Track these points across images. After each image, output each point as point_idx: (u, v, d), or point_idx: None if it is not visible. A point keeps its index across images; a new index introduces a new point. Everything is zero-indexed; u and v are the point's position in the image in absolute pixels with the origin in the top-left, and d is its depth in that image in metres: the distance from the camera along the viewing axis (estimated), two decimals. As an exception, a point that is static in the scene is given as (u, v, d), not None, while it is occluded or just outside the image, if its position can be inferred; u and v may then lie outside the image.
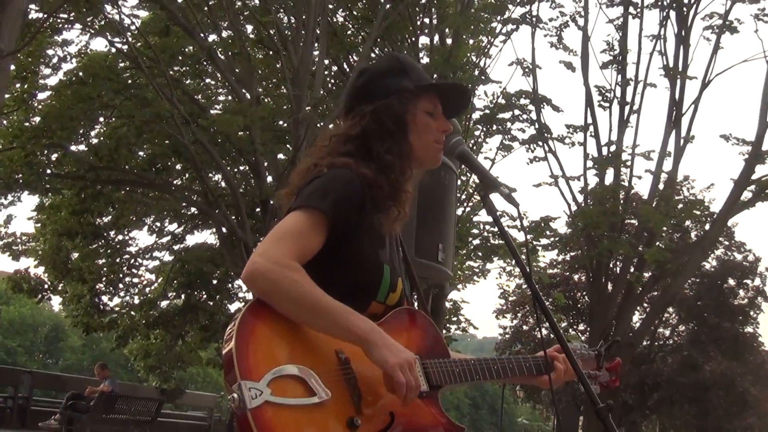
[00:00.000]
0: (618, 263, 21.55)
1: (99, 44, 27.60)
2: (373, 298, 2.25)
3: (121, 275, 21.31)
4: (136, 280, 21.78)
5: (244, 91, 16.55)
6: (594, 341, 17.54)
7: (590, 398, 2.12)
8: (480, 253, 18.72)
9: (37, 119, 17.18)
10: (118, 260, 21.12)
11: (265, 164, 16.54)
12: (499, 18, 18.07)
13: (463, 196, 17.51)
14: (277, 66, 17.23)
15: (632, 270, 20.24)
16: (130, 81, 17.39)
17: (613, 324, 19.77)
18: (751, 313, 31.14)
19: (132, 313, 21.16)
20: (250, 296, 2.22)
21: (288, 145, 16.81)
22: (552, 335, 2.33)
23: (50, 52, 17.62)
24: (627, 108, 20.15)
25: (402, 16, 16.93)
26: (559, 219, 20.22)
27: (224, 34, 17.35)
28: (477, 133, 18.67)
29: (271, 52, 18.07)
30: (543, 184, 20.24)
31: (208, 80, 19.96)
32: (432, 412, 2.21)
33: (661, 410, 30.91)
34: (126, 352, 23.26)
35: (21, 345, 48.91)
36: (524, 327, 31.38)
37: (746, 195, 18.95)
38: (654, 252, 18.28)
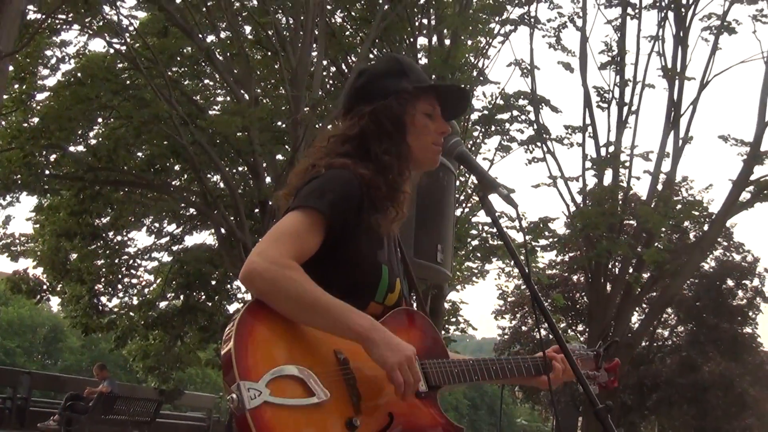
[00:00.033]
0: (617, 264, 21.55)
1: (97, 45, 27.74)
2: (371, 299, 2.25)
3: (119, 276, 21.31)
4: (134, 280, 21.80)
5: (242, 91, 16.55)
6: (593, 342, 17.52)
7: (589, 399, 2.12)
8: (479, 254, 18.70)
9: (36, 120, 17.18)
10: (116, 261, 21.10)
11: (264, 165, 16.53)
12: (497, 19, 18.07)
13: (462, 197, 17.51)
14: (276, 67, 17.22)
15: (631, 271, 20.24)
16: (128, 82, 17.38)
17: (611, 325, 19.77)
18: (750, 313, 31.13)
19: (131, 313, 21.16)
20: (248, 297, 2.22)
21: (286, 146, 16.79)
22: (551, 336, 2.34)
23: (49, 52, 17.63)
24: (625, 109, 20.17)
25: (400, 17, 16.93)
26: (557, 220, 20.32)
27: (222, 34, 17.34)
28: (475, 133, 18.66)
29: (269, 53, 18.07)
30: (542, 185, 20.25)
31: (206, 81, 19.97)
32: (431, 413, 2.21)
33: (659, 411, 30.88)
34: (125, 352, 23.27)
35: (20, 346, 48.83)
36: (523, 328, 31.36)
37: (745, 196, 18.97)
38: (653, 253, 18.28)
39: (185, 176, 19.38)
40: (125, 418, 16.30)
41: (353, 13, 19.08)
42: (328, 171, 2.24)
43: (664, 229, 20.50)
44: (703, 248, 20.92)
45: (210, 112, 18.16)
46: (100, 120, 18.09)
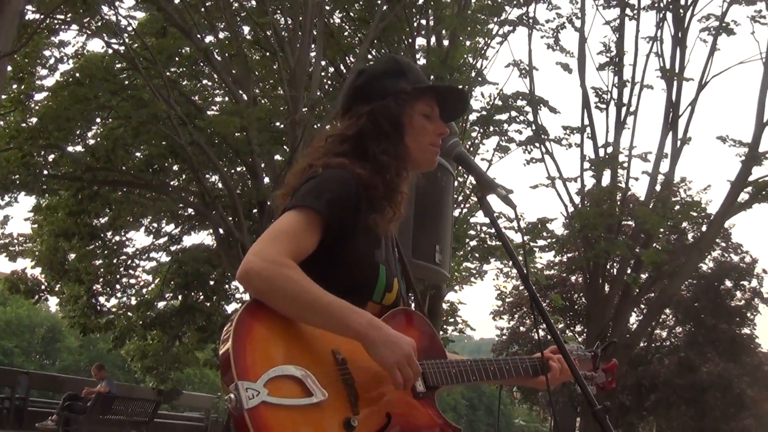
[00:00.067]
0: (615, 265, 21.54)
1: (96, 45, 27.72)
2: (369, 298, 2.25)
3: (118, 276, 21.31)
4: (133, 281, 21.81)
5: (241, 92, 16.55)
6: (591, 342, 17.48)
7: (587, 399, 2.12)
8: (477, 255, 18.73)
9: (34, 120, 17.18)
10: (115, 261, 21.11)
11: (262, 165, 16.54)
12: (495, 19, 18.08)
13: (461, 198, 17.53)
14: (274, 67, 17.21)
15: (629, 271, 20.24)
16: (126, 82, 17.38)
17: (610, 325, 19.76)
18: (748, 314, 31.15)
19: (129, 314, 21.16)
20: (247, 297, 2.22)
21: (285, 146, 16.79)
22: (549, 336, 2.34)
23: (47, 53, 17.63)
24: (624, 109, 20.19)
25: (399, 18, 16.93)
26: (556, 220, 20.25)
27: (221, 35, 17.36)
28: (474, 134, 18.67)
29: (268, 53, 18.07)
30: (540, 186, 20.28)
31: (204, 81, 19.97)
32: (429, 413, 2.21)
33: (658, 411, 30.91)
34: (123, 353, 23.26)
35: (18, 346, 48.76)
36: (521, 328, 31.37)
37: (743, 196, 18.98)
38: (651, 253, 18.29)
39: (183, 176, 19.39)
40: (123, 418, 16.31)
41: (352, 14, 19.08)
42: (326, 171, 2.24)
43: (662, 230, 20.53)
44: (702, 249, 20.93)
45: (208, 113, 18.17)
46: (98, 120, 18.08)
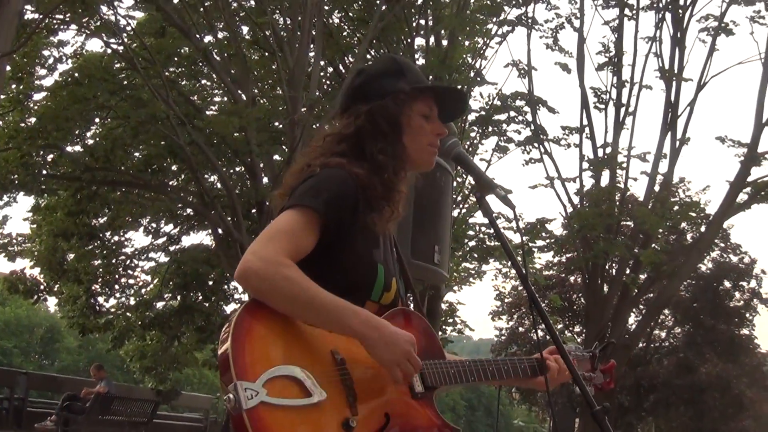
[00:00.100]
0: (614, 265, 21.54)
1: (95, 45, 27.71)
2: (367, 298, 2.25)
3: (116, 276, 21.29)
4: (131, 281, 21.79)
5: (239, 92, 16.54)
6: (590, 343, 17.50)
7: (586, 400, 2.12)
8: (476, 255, 18.73)
9: (33, 120, 17.17)
10: (113, 261, 21.08)
11: (261, 165, 16.54)
12: (494, 19, 18.08)
13: (459, 198, 17.53)
14: (273, 67, 17.21)
15: (628, 272, 20.22)
16: (125, 82, 17.36)
17: (608, 326, 19.76)
18: (747, 315, 31.16)
19: (128, 314, 21.14)
20: (245, 298, 2.22)
21: (284, 146, 16.79)
22: (548, 337, 2.34)
23: (46, 52, 17.60)
24: (623, 110, 20.18)
25: (398, 18, 16.93)
26: (554, 221, 20.22)
27: (220, 35, 17.33)
28: (473, 134, 18.67)
29: (266, 53, 18.06)
30: (539, 186, 20.27)
31: (203, 81, 19.95)
32: (427, 414, 2.21)
33: (657, 412, 30.90)
34: (122, 353, 23.23)
35: (17, 346, 48.72)
36: (520, 329, 31.35)
37: (742, 197, 18.98)
38: (650, 254, 18.30)
39: (182, 176, 19.37)
40: (122, 418, 16.30)
41: (350, 14, 19.09)
42: (323, 170, 2.24)
43: (661, 231, 20.54)
44: (700, 249, 20.94)
45: (207, 113, 18.13)
46: (97, 120, 18.08)
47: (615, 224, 19.82)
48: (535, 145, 19.22)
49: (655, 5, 20.15)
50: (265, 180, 16.42)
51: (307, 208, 2.14)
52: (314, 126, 14.57)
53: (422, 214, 4.63)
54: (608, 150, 19.85)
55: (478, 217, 18.18)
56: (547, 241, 20.18)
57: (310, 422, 1.93)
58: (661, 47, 20.10)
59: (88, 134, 18.36)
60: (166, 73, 16.67)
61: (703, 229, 21.90)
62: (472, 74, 17.82)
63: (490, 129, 18.72)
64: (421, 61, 17.14)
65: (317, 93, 16.48)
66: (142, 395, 20.29)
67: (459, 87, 13.73)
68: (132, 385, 28.97)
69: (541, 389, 2.55)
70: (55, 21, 16.71)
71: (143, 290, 21.76)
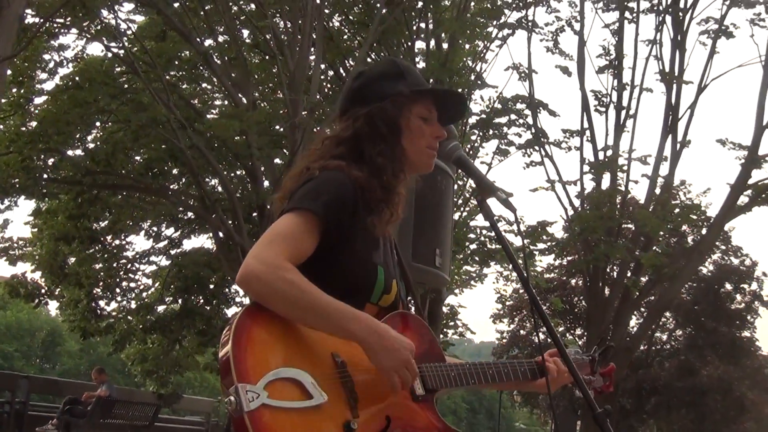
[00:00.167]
0: (615, 268, 21.52)
1: (95, 49, 27.70)
2: (367, 300, 2.25)
3: (118, 280, 21.28)
4: (133, 284, 21.76)
5: (240, 95, 16.54)
6: (591, 346, 17.48)
7: (588, 403, 2.12)
8: (477, 258, 18.72)
9: (34, 124, 17.14)
10: (114, 265, 21.07)
11: (262, 169, 16.53)
12: (495, 23, 18.09)
13: (460, 201, 17.53)
14: (274, 70, 17.21)
15: (629, 274, 20.20)
16: (126, 86, 17.37)
17: (610, 328, 19.73)
18: (748, 317, 31.17)
19: (129, 317, 21.12)
20: (246, 301, 2.22)
21: (284, 150, 16.79)
22: (549, 340, 2.34)
23: (46, 56, 17.59)
24: (623, 112, 20.16)
25: (398, 21, 16.93)
26: (555, 223, 20.20)
27: (220, 38, 17.34)
28: (473, 137, 18.67)
29: (267, 57, 18.06)
30: (540, 189, 20.23)
31: (204, 85, 19.95)
32: (428, 417, 2.22)
33: (658, 415, 30.89)
34: (123, 356, 23.20)
35: (18, 350, 48.73)
36: (521, 332, 31.35)
37: (743, 199, 18.95)
38: (651, 257, 18.28)
39: (183, 180, 19.37)
40: (124, 422, 16.29)
41: (351, 17, 19.09)
42: (322, 173, 2.24)
43: (662, 233, 20.51)
44: (702, 252, 20.91)
45: (208, 116, 18.13)
46: (98, 124, 18.07)
47: (616, 227, 19.81)
48: (536, 148, 19.19)
49: (655, 8, 20.16)
50: (266, 183, 16.42)
51: (307, 211, 2.15)
52: (315, 129, 14.57)
53: (423, 217, 4.63)
54: (609, 153, 19.83)
55: (479, 220, 18.21)
56: (548, 244, 20.15)
57: (311, 424, 1.93)
58: (662, 50, 20.10)
59: (89, 138, 18.36)
60: (167, 77, 16.67)
61: (704, 231, 21.88)
62: (472, 77, 17.82)
63: (491, 132, 18.71)
64: (421, 65, 17.15)
65: (318, 96, 16.47)
66: (144, 399, 20.28)
67: (458, 90, 13.74)
68: (133, 388, 28.93)
69: (542, 392, 2.55)
70: (55, 25, 16.72)
71: (144, 294, 21.76)
